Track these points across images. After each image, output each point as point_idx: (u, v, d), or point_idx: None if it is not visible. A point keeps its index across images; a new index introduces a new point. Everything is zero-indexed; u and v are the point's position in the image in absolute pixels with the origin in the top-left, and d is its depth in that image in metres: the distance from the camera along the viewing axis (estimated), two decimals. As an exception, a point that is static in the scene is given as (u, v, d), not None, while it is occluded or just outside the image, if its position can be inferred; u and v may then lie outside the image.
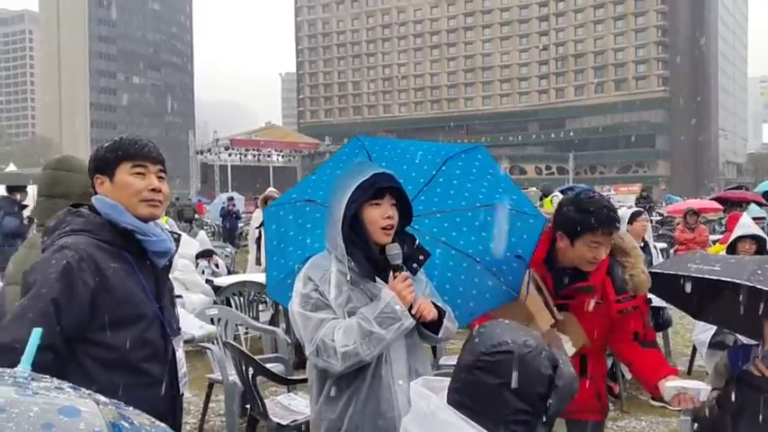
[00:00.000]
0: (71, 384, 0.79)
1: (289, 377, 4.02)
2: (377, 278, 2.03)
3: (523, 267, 2.45)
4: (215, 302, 5.63)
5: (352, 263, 1.99)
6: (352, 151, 2.33)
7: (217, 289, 6.22)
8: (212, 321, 4.57)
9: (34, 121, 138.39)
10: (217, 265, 7.63)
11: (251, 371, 3.50)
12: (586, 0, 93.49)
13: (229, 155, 40.35)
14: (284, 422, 3.38)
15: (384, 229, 2.00)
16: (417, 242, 2.12)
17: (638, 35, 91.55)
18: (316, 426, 2.13)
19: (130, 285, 1.83)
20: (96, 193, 1.90)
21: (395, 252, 1.99)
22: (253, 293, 6.09)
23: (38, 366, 0.90)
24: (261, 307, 6.28)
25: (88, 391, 0.78)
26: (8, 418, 0.63)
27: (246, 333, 5.82)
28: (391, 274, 2.02)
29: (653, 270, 2.61)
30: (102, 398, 0.77)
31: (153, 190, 1.87)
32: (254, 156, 42.02)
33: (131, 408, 0.80)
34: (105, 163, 1.87)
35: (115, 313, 1.78)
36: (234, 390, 3.93)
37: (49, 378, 0.80)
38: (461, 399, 1.33)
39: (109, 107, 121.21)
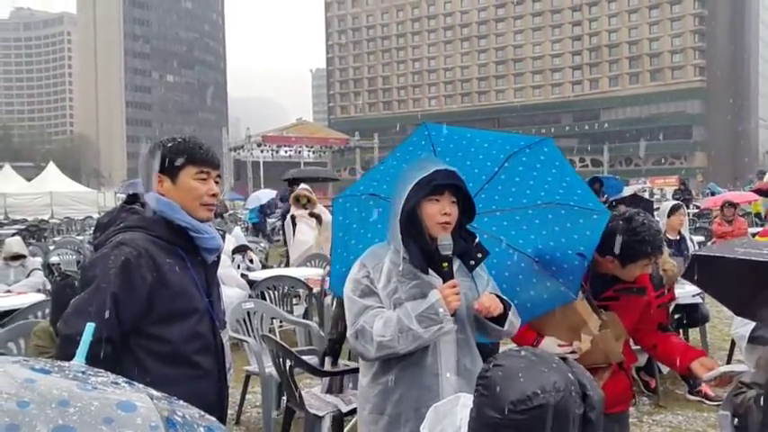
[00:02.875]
0: (126, 379, 0.81)
1: (324, 369, 4.08)
2: (430, 270, 2.07)
3: (585, 265, 2.40)
4: (250, 296, 5.73)
5: (408, 254, 2.04)
6: (418, 142, 2.31)
7: (252, 283, 6.33)
8: (248, 315, 4.67)
9: (72, 120, 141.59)
10: (251, 261, 7.75)
11: (288, 363, 3.56)
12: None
13: (261, 151, 40.78)
14: (320, 413, 3.43)
15: (441, 224, 2.04)
16: (477, 240, 2.15)
17: (673, 24, 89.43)
18: (361, 405, 2.19)
19: (184, 280, 1.89)
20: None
21: (446, 242, 2.02)
22: (287, 288, 6.20)
23: (97, 358, 0.91)
24: (295, 301, 6.39)
25: (142, 386, 0.80)
26: (72, 411, 0.65)
27: (281, 326, 5.92)
28: (442, 271, 2.03)
29: (697, 253, 2.57)
30: (155, 392, 0.79)
31: (213, 195, 1.94)
32: (286, 152, 42.39)
33: (181, 401, 0.81)
34: (170, 164, 1.92)
35: (170, 307, 1.85)
36: (271, 381, 4.01)
37: (104, 372, 0.83)
38: None
39: (144, 105, 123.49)
